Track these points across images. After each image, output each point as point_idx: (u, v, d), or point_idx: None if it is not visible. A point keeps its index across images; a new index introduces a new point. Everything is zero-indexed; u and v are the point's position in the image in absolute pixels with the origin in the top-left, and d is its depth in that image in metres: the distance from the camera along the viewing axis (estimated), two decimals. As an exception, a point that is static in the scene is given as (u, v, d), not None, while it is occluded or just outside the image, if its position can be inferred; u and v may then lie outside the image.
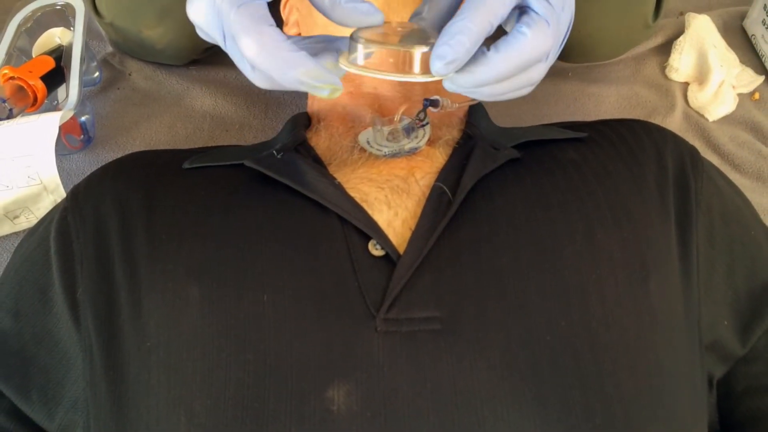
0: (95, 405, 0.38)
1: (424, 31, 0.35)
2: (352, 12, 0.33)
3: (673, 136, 0.48)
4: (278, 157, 0.44)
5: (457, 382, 0.33)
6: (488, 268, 0.37)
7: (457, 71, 0.33)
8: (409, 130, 0.45)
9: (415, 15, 0.36)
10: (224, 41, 0.33)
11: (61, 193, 0.56)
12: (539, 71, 0.35)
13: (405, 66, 0.34)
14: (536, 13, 0.32)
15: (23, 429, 0.40)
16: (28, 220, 0.59)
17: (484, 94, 0.34)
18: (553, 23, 0.33)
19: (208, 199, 0.42)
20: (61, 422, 0.40)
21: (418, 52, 0.33)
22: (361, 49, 0.34)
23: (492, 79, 0.33)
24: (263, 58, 0.31)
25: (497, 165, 0.42)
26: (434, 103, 0.44)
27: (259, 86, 0.34)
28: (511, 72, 0.33)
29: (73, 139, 0.63)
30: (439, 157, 0.44)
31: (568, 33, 0.37)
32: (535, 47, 0.32)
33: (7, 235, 0.60)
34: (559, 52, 0.37)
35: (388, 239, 0.38)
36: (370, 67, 0.34)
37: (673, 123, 0.71)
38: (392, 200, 0.41)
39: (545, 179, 0.42)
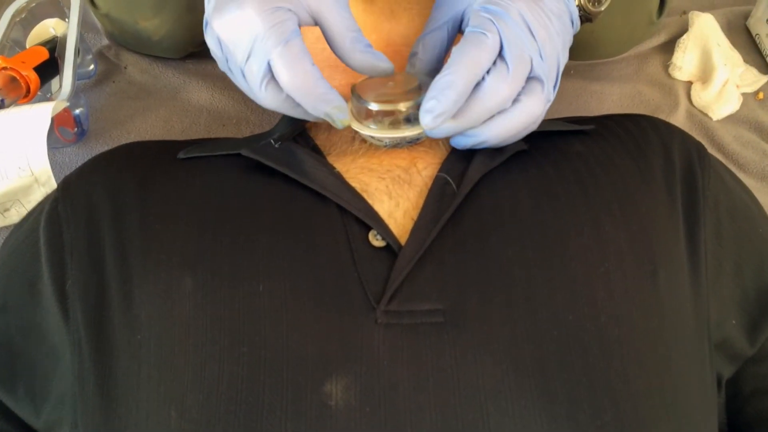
0: (83, 400, 0.36)
1: (417, 81, 0.40)
2: (369, 57, 0.37)
3: (680, 132, 0.47)
4: (276, 146, 0.43)
5: (460, 377, 0.32)
6: (493, 260, 0.36)
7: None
8: (411, 120, 0.44)
9: (413, 55, 0.41)
10: (245, 59, 0.36)
11: (52, 186, 0.55)
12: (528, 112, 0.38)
13: (398, 123, 0.39)
14: (502, 61, 0.36)
15: (8, 426, 0.39)
16: (19, 213, 0.57)
17: (485, 140, 0.38)
18: (517, 67, 0.36)
19: (204, 189, 0.40)
20: (48, 418, 0.39)
21: (404, 107, 0.39)
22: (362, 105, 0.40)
23: (460, 127, 0.37)
24: (303, 92, 0.36)
25: (505, 157, 0.41)
26: None
27: (265, 104, 0.38)
28: (474, 120, 0.37)
29: (66, 132, 0.62)
30: (441, 148, 0.43)
31: (562, 66, 0.39)
32: (495, 93, 0.36)
33: (-3, 229, 0.59)
34: (558, 77, 0.39)
35: (389, 229, 0.37)
36: (363, 122, 0.40)
37: (677, 122, 0.70)
38: (393, 190, 0.40)
39: (551, 171, 0.41)
